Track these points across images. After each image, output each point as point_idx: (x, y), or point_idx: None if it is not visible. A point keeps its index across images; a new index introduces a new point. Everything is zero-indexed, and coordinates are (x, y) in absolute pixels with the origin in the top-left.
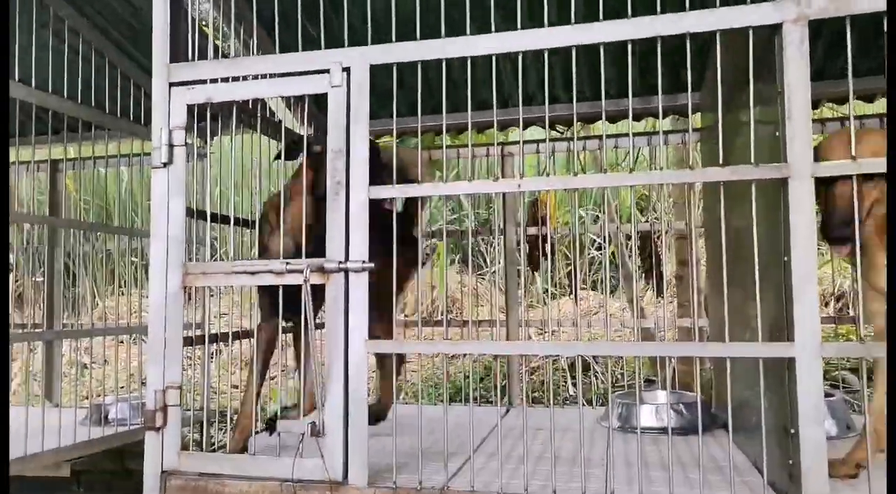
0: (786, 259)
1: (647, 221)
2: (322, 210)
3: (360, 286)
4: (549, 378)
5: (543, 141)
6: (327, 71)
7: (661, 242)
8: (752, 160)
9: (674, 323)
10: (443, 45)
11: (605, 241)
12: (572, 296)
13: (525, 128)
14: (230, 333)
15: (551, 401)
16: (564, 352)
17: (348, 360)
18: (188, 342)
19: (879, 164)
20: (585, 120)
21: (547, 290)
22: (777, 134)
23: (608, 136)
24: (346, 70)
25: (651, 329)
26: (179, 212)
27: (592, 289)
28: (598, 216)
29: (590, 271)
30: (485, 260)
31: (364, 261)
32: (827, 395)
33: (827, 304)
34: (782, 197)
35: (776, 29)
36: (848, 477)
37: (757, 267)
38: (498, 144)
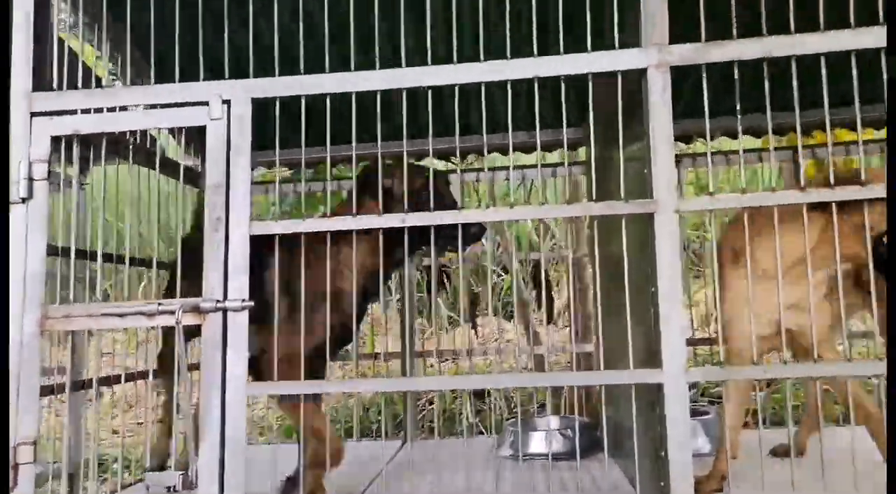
0: (653, 289)
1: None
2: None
3: (239, 325)
4: (439, 408)
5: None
6: (206, 103)
7: (565, 270)
8: (623, 196)
9: (565, 349)
10: (324, 80)
11: (500, 269)
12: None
13: (419, 159)
14: (112, 375)
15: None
16: (441, 386)
17: (225, 405)
18: (48, 391)
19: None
20: (478, 151)
21: (450, 317)
22: (645, 171)
23: (499, 168)
24: (227, 102)
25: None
26: (39, 250)
27: (495, 315)
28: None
29: (491, 298)
30: (389, 290)
31: (244, 300)
32: (703, 413)
33: (708, 325)
34: (649, 230)
35: (643, 73)
36: (714, 493)
37: (627, 296)
38: None
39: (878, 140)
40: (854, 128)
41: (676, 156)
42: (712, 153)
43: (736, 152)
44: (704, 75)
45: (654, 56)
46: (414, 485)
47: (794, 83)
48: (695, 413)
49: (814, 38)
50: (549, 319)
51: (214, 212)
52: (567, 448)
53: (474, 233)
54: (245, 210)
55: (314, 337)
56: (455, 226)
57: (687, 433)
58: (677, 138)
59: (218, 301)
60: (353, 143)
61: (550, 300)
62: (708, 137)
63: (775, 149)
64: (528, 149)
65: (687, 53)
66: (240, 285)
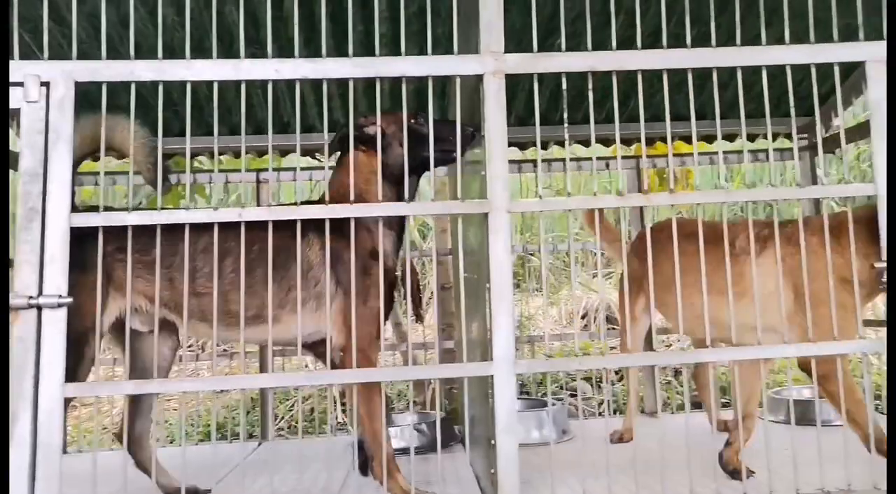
0: (488, 285)
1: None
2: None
3: (55, 323)
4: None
5: (305, 169)
6: (22, 84)
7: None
8: (459, 196)
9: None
10: (159, 65)
11: None
12: None
13: (283, 155)
14: None
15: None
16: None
17: (38, 408)
18: None
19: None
20: None
21: None
22: (483, 173)
23: None
24: (46, 85)
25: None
26: None
27: None
28: None
29: None
30: None
31: (61, 296)
32: (545, 404)
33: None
34: (485, 229)
35: (481, 79)
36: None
37: (463, 293)
38: (252, 171)
39: (710, 152)
40: (690, 141)
41: (532, 161)
42: (572, 159)
43: (589, 159)
44: (536, 83)
45: (490, 63)
46: (260, 485)
47: (615, 96)
48: (544, 404)
49: (634, 55)
50: (418, 317)
51: (28, 201)
52: (423, 443)
53: (469, 133)
54: (65, 200)
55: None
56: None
57: (514, 421)
58: (531, 145)
59: (31, 297)
60: (188, 135)
61: (418, 298)
62: (538, 142)
63: (623, 157)
64: None
65: (519, 62)
66: (57, 280)
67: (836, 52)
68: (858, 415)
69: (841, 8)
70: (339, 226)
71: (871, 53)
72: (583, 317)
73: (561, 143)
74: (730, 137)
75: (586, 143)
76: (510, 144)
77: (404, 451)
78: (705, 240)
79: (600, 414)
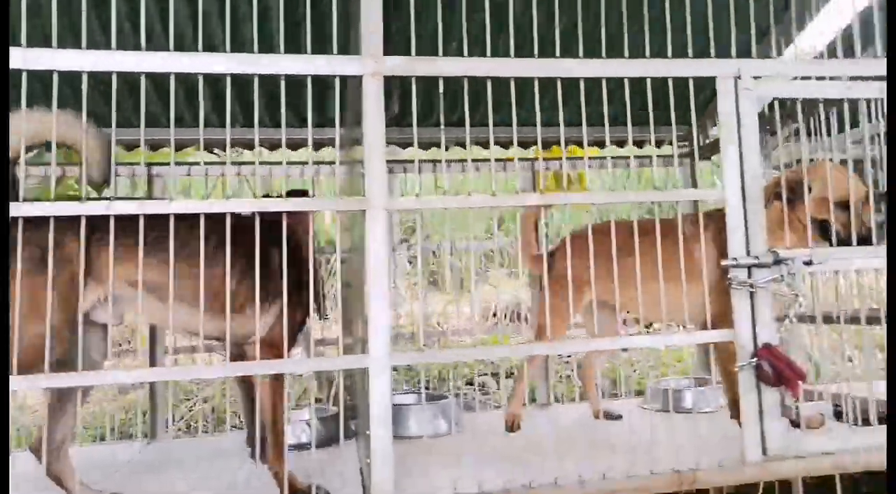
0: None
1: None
2: None
3: None
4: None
5: (196, 164)
6: None
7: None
8: (337, 193)
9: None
10: (24, 54)
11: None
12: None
13: (179, 149)
14: None
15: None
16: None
17: None
18: None
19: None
20: (241, 145)
21: None
22: (362, 171)
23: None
24: None
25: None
26: None
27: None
28: None
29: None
30: None
31: None
32: (442, 397)
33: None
34: (364, 226)
35: (361, 80)
36: None
37: (339, 288)
38: (146, 164)
39: (599, 157)
40: (582, 145)
41: (433, 161)
42: (473, 160)
43: (487, 160)
44: (414, 85)
45: (371, 65)
46: (145, 484)
47: (489, 100)
48: (437, 397)
49: (506, 63)
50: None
51: None
52: (316, 438)
53: None
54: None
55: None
56: None
57: (388, 413)
58: (433, 145)
59: None
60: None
61: (320, 293)
62: (416, 143)
63: (520, 159)
64: (294, 145)
65: (398, 65)
66: None
67: (691, 68)
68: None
69: (696, 30)
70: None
71: (721, 70)
72: (494, 315)
73: (462, 144)
74: (620, 143)
75: (486, 146)
76: (429, 145)
77: (297, 447)
78: (630, 237)
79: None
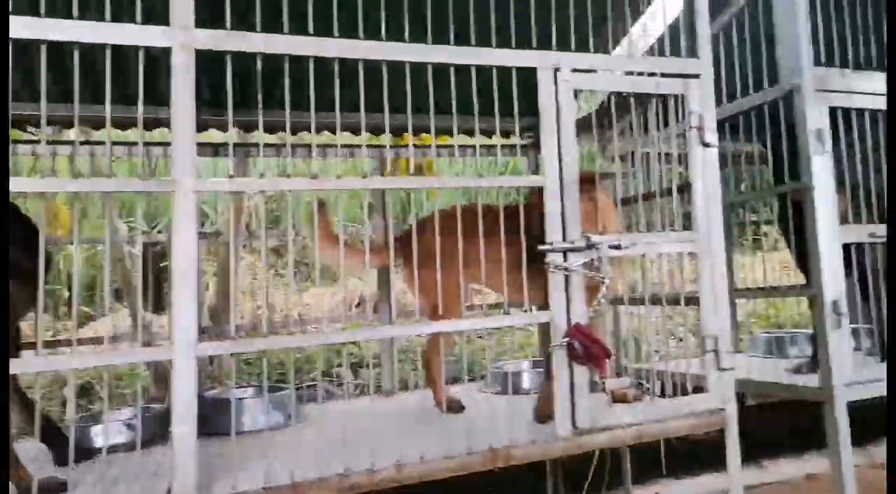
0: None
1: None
2: None
3: None
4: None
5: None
6: None
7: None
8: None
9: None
10: None
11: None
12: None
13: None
14: None
15: None
16: None
17: None
18: None
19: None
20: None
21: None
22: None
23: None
24: None
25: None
26: None
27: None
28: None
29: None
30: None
31: None
32: (280, 389)
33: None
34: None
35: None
36: None
37: (138, 278)
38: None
39: (447, 145)
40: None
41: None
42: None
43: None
44: (229, 62)
45: (179, 37)
46: None
47: (312, 85)
48: (272, 389)
49: (332, 43)
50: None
51: None
52: (133, 438)
53: None
54: None
55: None
56: None
57: (192, 409)
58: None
59: None
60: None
61: (159, 286)
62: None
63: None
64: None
65: (210, 39)
66: None
67: (513, 58)
68: None
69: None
70: None
71: (542, 61)
72: (357, 305)
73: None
74: (469, 132)
75: (333, 130)
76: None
77: (112, 448)
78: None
79: (360, 395)
